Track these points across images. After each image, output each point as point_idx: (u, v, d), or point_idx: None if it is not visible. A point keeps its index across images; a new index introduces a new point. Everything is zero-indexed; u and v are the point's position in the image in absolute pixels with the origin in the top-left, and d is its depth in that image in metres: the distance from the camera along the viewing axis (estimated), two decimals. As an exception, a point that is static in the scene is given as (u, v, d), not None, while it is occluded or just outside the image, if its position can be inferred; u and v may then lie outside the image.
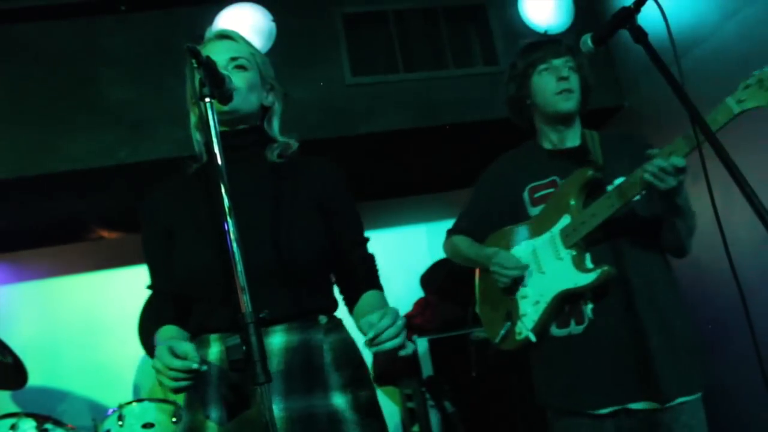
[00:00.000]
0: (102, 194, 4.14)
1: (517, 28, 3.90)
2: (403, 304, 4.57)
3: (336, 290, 1.79)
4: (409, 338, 4.15)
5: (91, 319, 4.80)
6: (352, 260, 1.75)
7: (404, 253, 5.23)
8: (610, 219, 2.04)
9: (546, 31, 3.84)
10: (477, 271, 2.42)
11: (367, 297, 1.72)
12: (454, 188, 5.08)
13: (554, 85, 2.18)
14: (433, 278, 4.71)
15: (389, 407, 4.65)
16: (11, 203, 3.91)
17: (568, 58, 2.21)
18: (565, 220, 2.14)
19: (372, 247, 1.81)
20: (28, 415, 3.35)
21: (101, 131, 3.52)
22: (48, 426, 3.35)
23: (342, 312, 1.76)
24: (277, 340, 1.58)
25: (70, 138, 3.49)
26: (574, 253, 2.11)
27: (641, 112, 3.71)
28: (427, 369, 4.03)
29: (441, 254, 4.80)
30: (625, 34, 1.83)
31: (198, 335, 1.67)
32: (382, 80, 3.82)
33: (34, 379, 4.03)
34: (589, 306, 2.09)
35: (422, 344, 4.06)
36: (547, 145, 2.29)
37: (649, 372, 2.00)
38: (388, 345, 1.44)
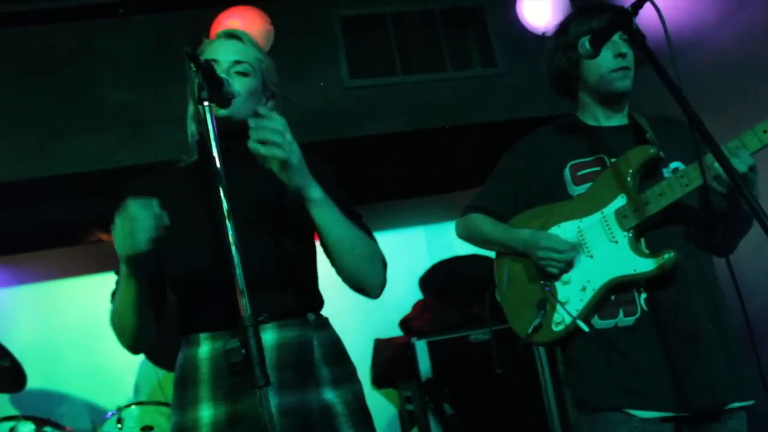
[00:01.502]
0: (102, 197, 4.13)
1: (515, 30, 3.90)
2: (402, 307, 4.58)
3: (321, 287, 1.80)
4: (408, 340, 4.16)
5: (90, 322, 4.78)
6: None
7: (403, 256, 5.21)
8: (672, 204, 1.87)
9: (544, 33, 3.85)
10: (496, 256, 2.20)
11: None
12: (453, 190, 5.08)
13: (612, 62, 1.97)
14: (432, 280, 4.72)
15: (388, 410, 4.65)
16: (11, 206, 3.91)
17: (621, 32, 1.94)
18: (621, 200, 1.94)
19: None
20: (27, 418, 3.35)
21: (101, 134, 3.52)
22: (47, 429, 3.36)
23: (327, 311, 1.78)
24: (269, 336, 1.60)
25: (70, 141, 3.50)
26: (632, 236, 1.91)
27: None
28: (425, 371, 4.03)
29: (440, 256, 4.86)
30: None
31: (186, 335, 1.68)
32: (381, 83, 3.83)
33: (33, 382, 4.03)
34: (643, 296, 1.90)
35: (421, 346, 4.05)
36: (591, 122, 2.10)
37: (706, 374, 1.84)
38: (259, 135, 1.44)
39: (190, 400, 1.61)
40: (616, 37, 1.95)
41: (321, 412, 1.60)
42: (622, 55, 1.97)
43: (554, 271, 1.99)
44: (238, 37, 1.74)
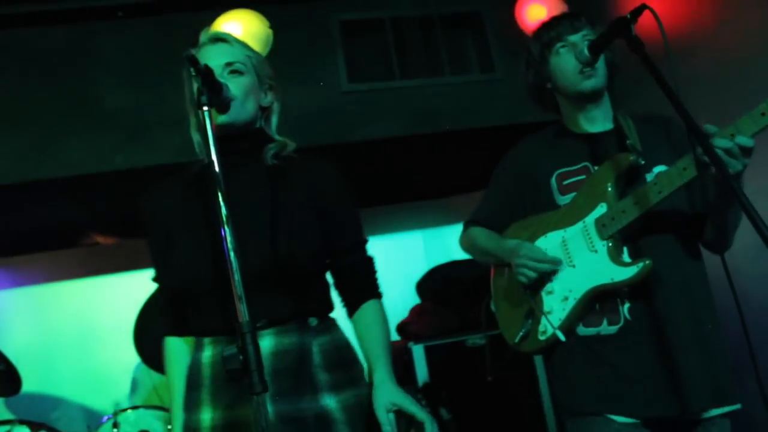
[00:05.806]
0: (98, 200, 4.13)
1: (513, 35, 3.91)
2: (399, 311, 4.57)
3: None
4: (405, 345, 4.15)
5: (86, 325, 4.79)
6: (350, 264, 1.75)
7: (400, 260, 5.23)
8: (651, 211, 1.86)
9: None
10: (493, 266, 2.23)
11: (367, 316, 1.73)
12: (450, 195, 5.09)
13: (575, 64, 1.97)
14: (429, 285, 4.71)
15: (385, 414, 4.63)
16: (7, 208, 3.90)
17: (586, 32, 1.99)
18: (601, 209, 1.95)
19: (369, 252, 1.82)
20: (22, 422, 3.34)
21: (98, 137, 3.52)
22: (42, 433, 3.34)
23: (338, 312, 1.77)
24: (266, 343, 1.59)
25: (67, 144, 3.49)
26: (611, 245, 1.91)
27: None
28: (422, 376, 4.03)
29: (437, 261, 4.86)
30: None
31: (193, 337, 1.69)
32: (379, 87, 3.83)
33: (29, 386, 4.02)
34: (626, 305, 1.91)
35: (418, 351, 4.05)
36: (575, 129, 2.11)
37: (685, 382, 1.85)
38: None
39: (195, 403, 1.63)
40: (577, 38, 1.98)
41: (316, 419, 1.59)
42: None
43: (523, 279, 2.01)
44: (223, 39, 1.75)
